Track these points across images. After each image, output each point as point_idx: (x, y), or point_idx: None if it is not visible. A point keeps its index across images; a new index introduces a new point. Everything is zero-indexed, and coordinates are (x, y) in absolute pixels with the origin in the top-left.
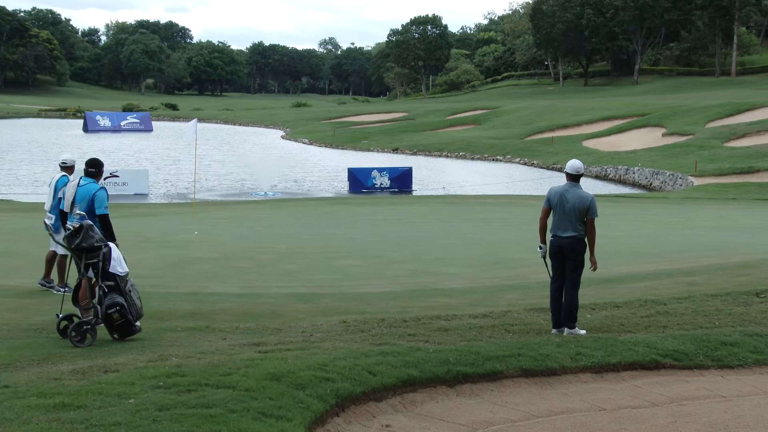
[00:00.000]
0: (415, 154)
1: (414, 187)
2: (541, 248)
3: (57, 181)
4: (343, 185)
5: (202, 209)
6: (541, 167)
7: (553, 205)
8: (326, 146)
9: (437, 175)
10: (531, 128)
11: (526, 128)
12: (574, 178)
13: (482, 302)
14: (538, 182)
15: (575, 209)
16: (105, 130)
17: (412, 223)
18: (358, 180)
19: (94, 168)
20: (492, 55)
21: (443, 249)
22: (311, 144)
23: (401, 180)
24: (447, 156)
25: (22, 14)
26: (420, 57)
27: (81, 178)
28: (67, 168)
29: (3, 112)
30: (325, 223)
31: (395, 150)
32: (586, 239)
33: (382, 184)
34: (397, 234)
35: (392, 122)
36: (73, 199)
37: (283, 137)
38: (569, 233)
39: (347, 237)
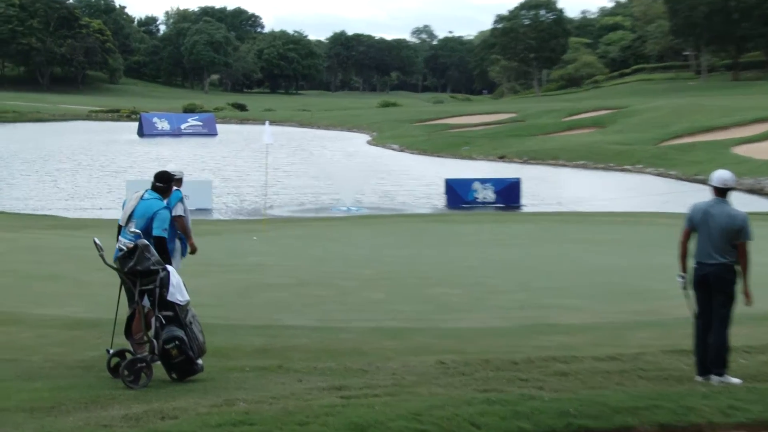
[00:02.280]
0: (525, 162)
1: (523, 201)
2: (681, 278)
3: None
4: (439, 199)
5: (274, 227)
6: (680, 179)
7: (696, 225)
8: (419, 153)
9: (551, 187)
10: (667, 132)
11: (660, 132)
12: (721, 192)
13: (608, 342)
14: (676, 197)
15: (723, 230)
16: (163, 134)
17: (522, 244)
18: (457, 193)
19: (163, 183)
20: (618, 45)
21: (559, 276)
22: (401, 150)
23: (508, 193)
24: (563, 165)
25: (71, 1)
26: (531, 47)
27: (146, 191)
28: (178, 180)
29: (49, 114)
30: (417, 244)
31: (501, 158)
32: (737, 267)
33: (485, 198)
34: (503, 257)
35: (498, 124)
36: (132, 213)
37: (368, 143)
38: (716, 260)
39: (444, 260)
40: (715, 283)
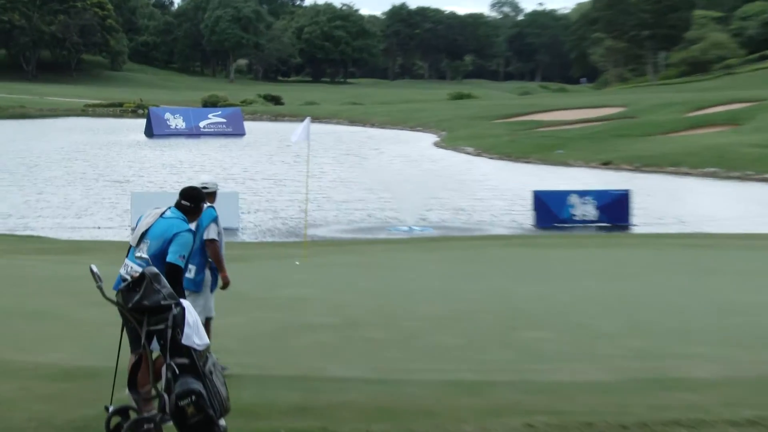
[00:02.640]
0: (636, 170)
1: (634, 220)
2: None
3: (200, 216)
4: (525, 217)
5: (316, 251)
6: None
7: None
8: (500, 158)
9: (671, 202)
10: None
11: None
12: None
13: (747, 401)
14: None
15: None
16: (177, 133)
17: (633, 275)
18: (549, 209)
19: (191, 202)
20: (758, 19)
21: (683, 317)
22: (478, 154)
23: (614, 209)
24: (687, 174)
25: None
26: (645, 23)
27: (169, 208)
28: (210, 194)
29: (35, 109)
30: (499, 274)
31: (605, 164)
32: None
33: (584, 215)
34: (609, 292)
35: (601, 121)
36: (146, 232)
37: (435, 145)
38: None
39: (532, 295)
40: None
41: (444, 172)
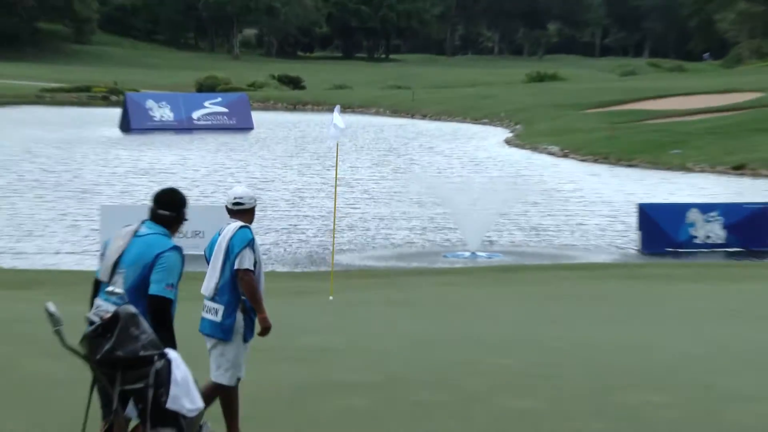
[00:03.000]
0: None
1: None
2: None
3: (231, 238)
4: (629, 239)
5: (347, 284)
6: None
7: None
8: (595, 160)
9: None
10: None
11: None
12: None
13: None
14: None
15: None
16: (163, 127)
17: None
18: (660, 229)
19: (171, 210)
20: None
21: None
22: (564, 155)
23: (749, 229)
24: None
25: None
26: None
27: (143, 223)
28: (246, 213)
29: None
30: (591, 317)
31: (737, 168)
32: None
33: (708, 237)
34: (742, 341)
35: (731, 112)
36: (118, 259)
37: (508, 142)
38: None
39: (637, 345)
40: None
41: (519, 179)
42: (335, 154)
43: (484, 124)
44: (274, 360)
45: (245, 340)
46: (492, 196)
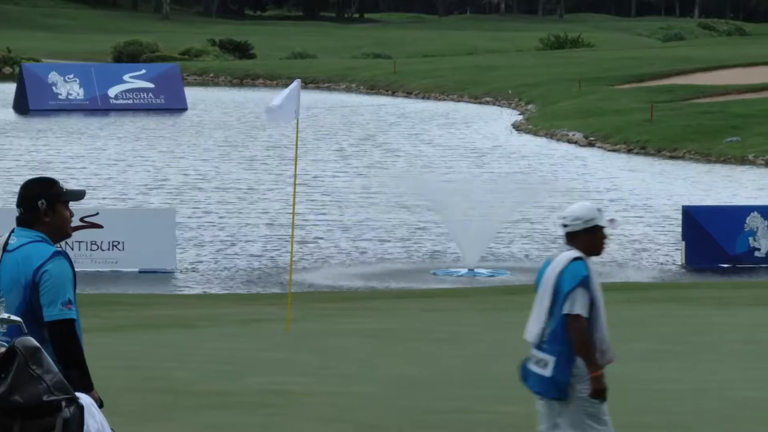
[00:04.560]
0: None
1: None
2: None
3: (561, 272)
4: (672, 251)
5: (309, 310)
6: None
7: None
8: (628, 149)
9: None
10: None
11: None
12: None
13: None
14: None
15: None
16: (71, 107)
17: None
18: (711, 238)
19: (24, 205)
20: None
21: None
22: (589, 144)
23: None
24: None
25: None
26: None
27: (12, 232)
28: (575, 238)
29: None
30: (624, 350)
31: None
32: None
33: None
34: None
35: None
36: None
37: (517, 127)
38: None
39: (688, 385)
40: None
41: (530, 174)
42: (294, 144)
43: (487, 103)
44: (218, 407)
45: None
46: (496, 198)
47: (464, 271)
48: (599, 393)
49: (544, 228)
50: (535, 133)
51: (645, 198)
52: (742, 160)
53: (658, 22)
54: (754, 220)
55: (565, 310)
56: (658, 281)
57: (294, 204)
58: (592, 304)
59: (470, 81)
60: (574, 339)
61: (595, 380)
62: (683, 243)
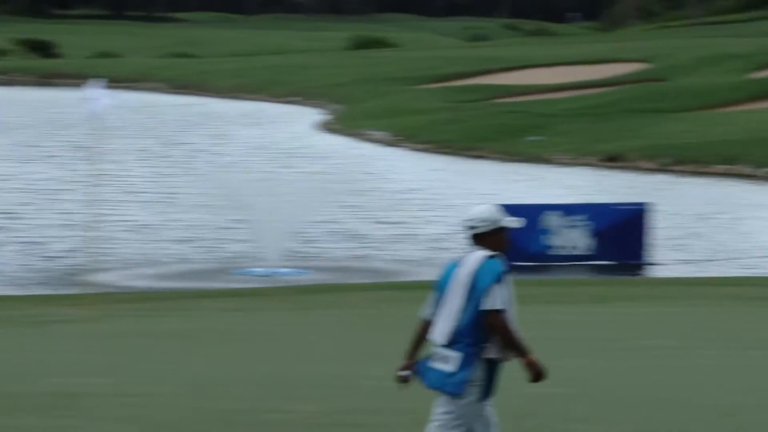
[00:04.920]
0: (662, 169)
1: (654, 256)
2: None
3: (477, 271)
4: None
5: (103, 310)
6: None
7: None
8: (433, 149)
9: (721, 225)
10: None
11: None
12: None
13: None
14: None
15: None
16: None
17: (651, 349)
18: (515, 237)
19: None
20: None
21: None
22: (394, 143)
23: (622, 237)
24: (749, 176)
25: None
26: None
27: None
28: (485, 238)
29: None
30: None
31: (611, 160)
32: None
33: (571, 247)
34: (613, 375)
35: (606, 87)
36: None
37: (324, 127)
38: None
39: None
40: None
41: (335, 174)
42: (96, 144)
43: (293, 103)
44: (10, 409)
45: (485, 397)
46: (299, 196)
47: (264, 270)
48: (539, 376)
49: (348, 228)
50: (342, 133)
51: (447, 197)
52: (543, 159)
53: (463, 23)
54: (551, 219)
55: (487, 306)
56: None
57: (92, 203)
58: (510, 299)
59: (275, 80)
60: (498, 332)
61: (531, 366)
62: None
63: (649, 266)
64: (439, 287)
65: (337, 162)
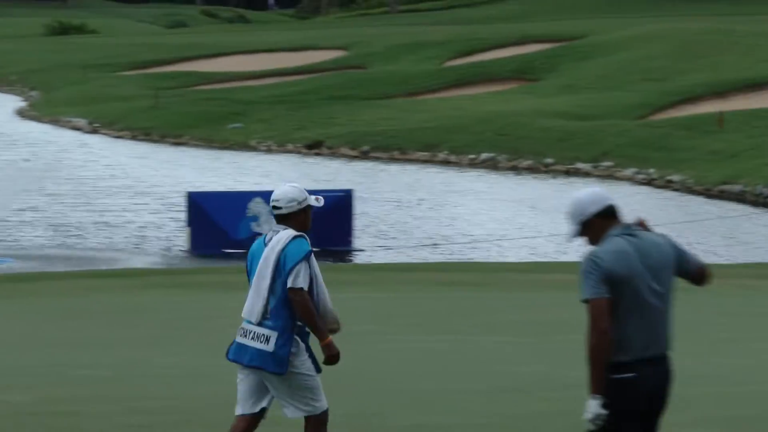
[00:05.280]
0: (364, 156)
1: (357, 242)
2: (602, 405)
3: (283, 249)
4: (176, 236)
5: None
6: (692, 191)
7: (622, 282)
8: (133, 136)
9: (422, 211)
10: (665, 91)
11: (651, 91)
12: (610, 215)
13: None
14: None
15: (669, 272)
16: None
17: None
18: (215, 224)
19: None
20: None
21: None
22: (93, 130)
23: (327, 224)
24: (448, 162)
25: None
26: None
27: None
28: (290, 218)
29: None
30: (135, 336)
31: (312, 147)
32: None
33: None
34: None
35: (305, 75)
36: None
37: (20, 113)
38: (667, 347)
39: (191, 370)
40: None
41: (35, 162)
42: None
43: None
44: None
45: (318, 371)
46: None
47: None
48: (333, 358)
49: (50, 216)
50: (40, 120)
51: (151, 185)
52: (246, 146)
53: (162, 9)
54: (257, 206)
55: (289, 284)
56: (163, 267)
57: None
58: (312, 279)
59: None
60: (299, 311)
61: (327, 347)
62: (188, 229)
63: (353, 252)
64: (247, 267)
65: (35, 149)
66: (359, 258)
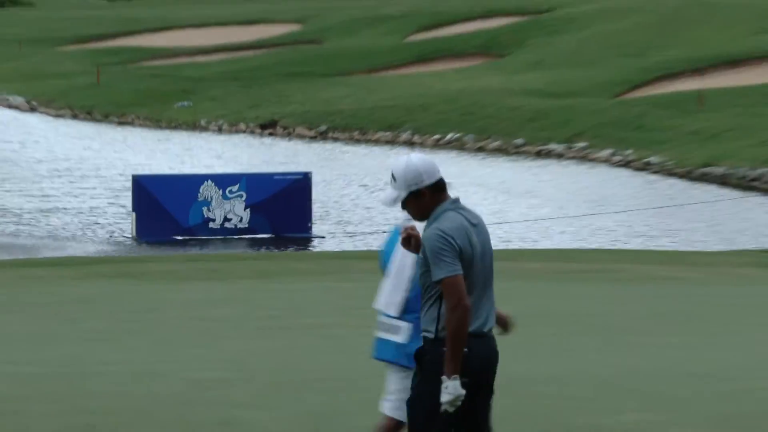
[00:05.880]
0: (320, 137)
1: (315, 228)
2: (461, 383)
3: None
4: (120, 222)
5: None
6: (672, 174)
7: (465, 259)
8: (73, 115)
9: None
10: (641, 67)
11: (627, 67)
12: (442, 188)
13: None
14: (675, 215)
15: (491, 250)
16: None
17: (315, 330)
18: (162, 209)
19: None
20: None
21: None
22: (32, 109)
23: (282, 210)
24: (411, 142)
25: None
26: None
27: None
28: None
29: None
30: (74, 330)
31: (266, 126)
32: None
33: (230, 219)
34: (285, 362)
35: (258, 50)
36: None
37: None
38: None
39: (138, 367)
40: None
41: None
42: None
43: None
44: None
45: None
46: None
47: None
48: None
49: None
50: None
51: (95, 167)
52: (195, 126)
53: None
54: (208, 190)
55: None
56: (108, 255)
57: None
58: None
59: None
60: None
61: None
62: (134, 214)
63: (311, 239)
64: (384, 256)
65: None
66: (318, 245)
